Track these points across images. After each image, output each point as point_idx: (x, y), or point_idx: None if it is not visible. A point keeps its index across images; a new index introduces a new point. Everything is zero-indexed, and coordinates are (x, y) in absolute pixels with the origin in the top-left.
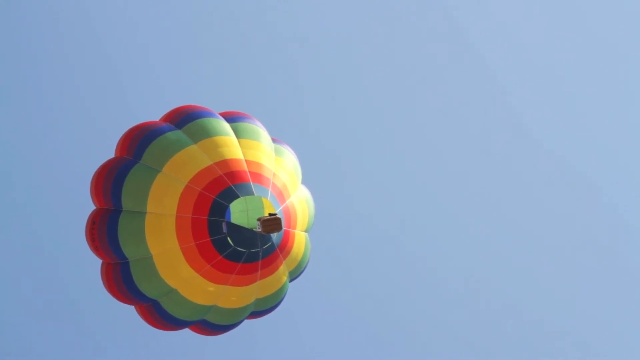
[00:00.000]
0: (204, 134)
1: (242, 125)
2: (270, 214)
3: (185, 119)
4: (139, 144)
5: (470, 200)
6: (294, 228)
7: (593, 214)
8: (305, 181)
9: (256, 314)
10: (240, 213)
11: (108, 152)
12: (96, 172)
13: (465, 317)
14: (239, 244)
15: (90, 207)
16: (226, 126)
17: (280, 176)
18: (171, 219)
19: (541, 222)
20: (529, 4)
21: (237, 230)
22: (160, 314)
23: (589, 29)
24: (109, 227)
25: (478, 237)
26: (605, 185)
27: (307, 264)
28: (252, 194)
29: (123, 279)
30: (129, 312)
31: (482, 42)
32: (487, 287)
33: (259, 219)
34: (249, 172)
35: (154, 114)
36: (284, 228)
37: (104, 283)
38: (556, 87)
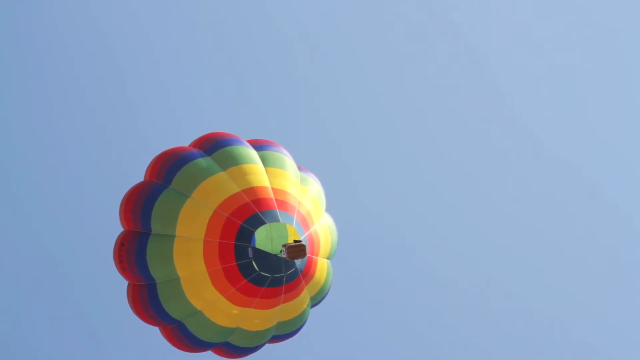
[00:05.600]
0: (233, 162)
1: (269, 153)
2: (295, 241)
3: (215, 146)
4: (169, 169)
5: (480, 203)
6: (317, 255)
7: (596, 214)
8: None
9: (277, 337)
10: (265, 239)
11: (136, 176)
12: (126, 195)
13: (476, 320)
14: (264, 269)
15: (119, 229)
16: (254, 154)
17: (305, 204)
18: (199, 242)
19: (547, 223)
20: (531, 3)
21: (262, 256)
22: (185, 335)
23: (591, 28)
24: (138, 249)
25: (490, 241)
26: (608, 185)
27: (328, 290)
28: (278, 220)
29: (149, 300)
30: (154, 333)
31: (485, 42)
32: (496, 289)
33: (284, 245)
34: (275, 199)
35: (180, 138)
36: (307, 255)
37: (130, 304)
38: (558, 87)
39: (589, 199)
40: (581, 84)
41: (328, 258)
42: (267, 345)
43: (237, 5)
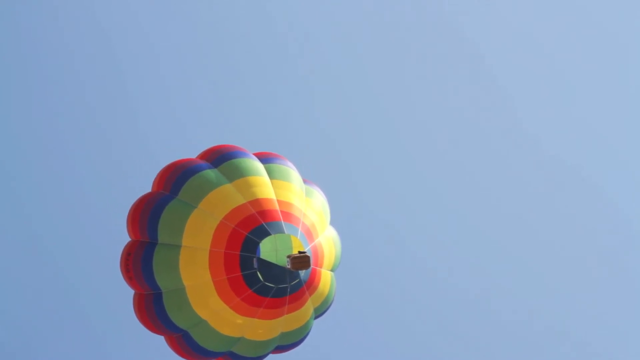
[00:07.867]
0: (239, 174)
1: (275, 166)
2: (299, 252)
3: (221, 158)
4: (177, 180)
5: (480, 204)
6: (321, 267)
7: (596, 214)
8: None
9: (281, 348)
10: (270, 250)
11: (144, 186)
12: (133, 205)
13: (476, 320)
14: (268, 280)
15: (126, 238)
16: (260, 166)
17: (310, 216)
18: (205, 252)
19: (547, 223)
20: (530, 4)
21: (267, 266)
22: (190, 345)
23: (591, 28)
24: (144, 258)
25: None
26: (608, 185)
27: (331, 301)
28: (283, 232)
29: (155, 309)
30: (159, 342)
31: (485, 41)
32: (496, 289)
33: (288, 256)
34: (280, 211)
35: (188, 146)
36: (311, 266)
37: (136, 313)
38: (558, 86)
39: (589, 199)
40: (581, 84)
41: (332, 270)
42: (270, 355)
43: (240, 7)
